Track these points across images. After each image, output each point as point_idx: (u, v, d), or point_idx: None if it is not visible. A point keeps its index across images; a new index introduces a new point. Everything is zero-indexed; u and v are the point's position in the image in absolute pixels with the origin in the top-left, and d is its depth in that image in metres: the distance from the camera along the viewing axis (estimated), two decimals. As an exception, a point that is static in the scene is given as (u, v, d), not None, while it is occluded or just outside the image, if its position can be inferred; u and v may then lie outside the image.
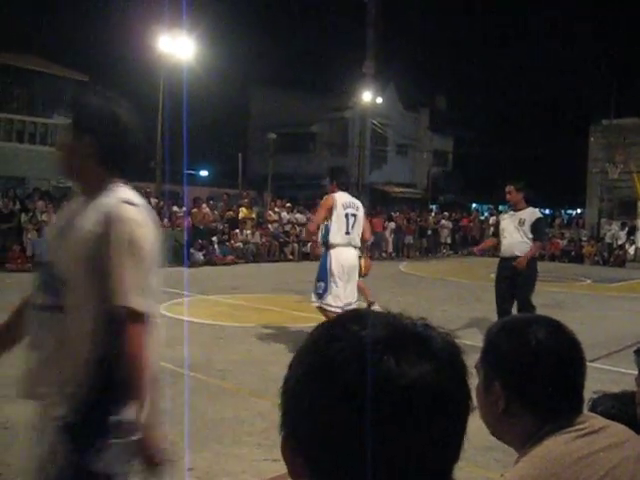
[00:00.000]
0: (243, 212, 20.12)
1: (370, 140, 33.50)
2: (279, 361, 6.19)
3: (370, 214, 18.79)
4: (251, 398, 5.39)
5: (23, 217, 15.95)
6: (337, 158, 31.14)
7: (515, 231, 7.45)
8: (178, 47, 19.99)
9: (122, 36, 26.48)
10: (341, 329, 0.80)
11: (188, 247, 16.67)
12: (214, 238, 18.55)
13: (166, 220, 17.58)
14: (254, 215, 20.49)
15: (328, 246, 6.75)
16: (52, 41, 27.25)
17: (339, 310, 6.19)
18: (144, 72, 23.08)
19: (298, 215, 21.68)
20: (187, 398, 4.95)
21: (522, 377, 1.44)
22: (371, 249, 16.40)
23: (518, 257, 7.29)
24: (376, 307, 7.20)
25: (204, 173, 36.90)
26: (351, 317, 0.82)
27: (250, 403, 5.23)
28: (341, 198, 6.80)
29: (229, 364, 6.46)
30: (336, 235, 6.67)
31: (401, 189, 35.64)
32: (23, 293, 2.21)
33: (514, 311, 7.21)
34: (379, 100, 31.14)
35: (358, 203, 6.95)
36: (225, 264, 17.82)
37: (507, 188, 7.59)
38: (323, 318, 5.82)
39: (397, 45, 41.23)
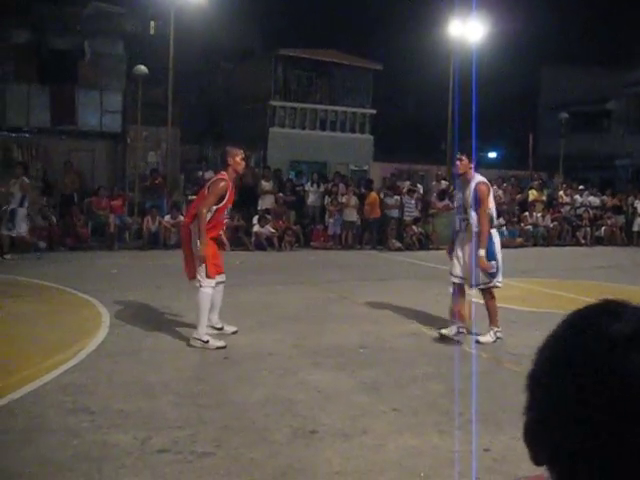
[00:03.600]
0: (533, 194, 19.62)
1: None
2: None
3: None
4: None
5: (326, 199, 17.30)
6: (635, 137, 28.62)
7: None
8: (468, 29, 19.96)
9: (412, 23, 27.13)
10: (588, 321, 0.77)
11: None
12: (502, 220, 18.37)
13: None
14: (544, 197, 19.87)
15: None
16: (348, 35, 28.86)
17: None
18: (434, 57, 23.44)
19: (591, 198, 20.51)
20: (481, 380, 5.07)
21: None
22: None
23: None
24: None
25: (492, 155, 36.39)
26: (602, 309, 0.78)
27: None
28: None
29: (524, 348, 6.43)
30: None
31: None
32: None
33: None
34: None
35: None
36: (514, 247, 17.57)
37: None
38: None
39: None
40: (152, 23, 22.21)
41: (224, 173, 6.29)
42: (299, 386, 5.06)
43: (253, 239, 15.68)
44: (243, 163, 6.46)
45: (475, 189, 6.51)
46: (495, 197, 18.41)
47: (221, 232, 6.64)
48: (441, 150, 22.36)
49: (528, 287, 10.53)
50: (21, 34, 19.29)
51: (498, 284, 6.70)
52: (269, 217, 15.92)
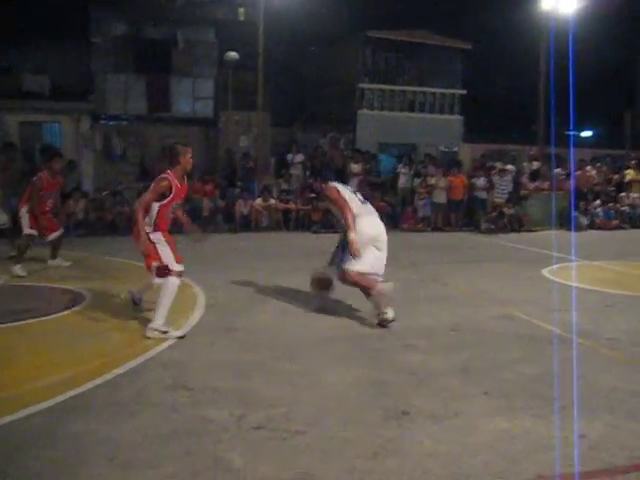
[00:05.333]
0: (630, 174, 18.80)
1: None
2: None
3: None
4: (645, 372, 5.17)
5: (415, 181, 17.18)
6: None
7: None
8: (561, 3, 19.22)
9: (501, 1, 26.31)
10: None
11: (573, 210, 16.25)
12: (597, 201, 17.78)
13: (549, 183, 17.37)
14: (642, 177, 19.02)
15: None
16: (436, 14, 28.27)
17: None
18: (526, 34, 22.69)
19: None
20: (575, 365, 4.97)
21: None
22: None
23: None
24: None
25: (586, 134, 35.01)
26: None
27: (644, 377, 5.02)
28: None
29: (619, 333, 6.25)
30: None
31: None
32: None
33: None
34: None
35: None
36: (609, 229, 16.99)
37: None
38: None
39: None
40: (241, 9, 22.51)
41: (169, 172, 6.18)
42: (391, 367, 5.10)
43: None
44: (191, 161, 6.37)
45: None
46: (588, 178, 17.88)
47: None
48: (532, 130, 21.72)
49: (623, 270, 10.17)
50: (119, 27, 20.05)
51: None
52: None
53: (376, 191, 16.82)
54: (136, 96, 20.01)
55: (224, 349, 5.58)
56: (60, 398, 4.32)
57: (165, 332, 5.90)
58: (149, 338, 5.82)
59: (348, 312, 7.03)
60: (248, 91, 19.47)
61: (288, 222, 15.86)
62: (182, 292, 7.94)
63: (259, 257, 11.08)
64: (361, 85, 23.70)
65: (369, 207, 7.01)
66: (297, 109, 24.41)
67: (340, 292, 8.12)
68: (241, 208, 15.53)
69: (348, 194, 6.82)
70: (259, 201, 15.72)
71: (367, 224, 6.80)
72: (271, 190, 16.22)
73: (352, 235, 6.48)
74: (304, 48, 25.38)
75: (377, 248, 6.93)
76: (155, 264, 6.08)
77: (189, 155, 6.32)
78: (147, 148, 19.28)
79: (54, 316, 6.72)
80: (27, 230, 9.41)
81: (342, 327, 6.43)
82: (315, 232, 15.32)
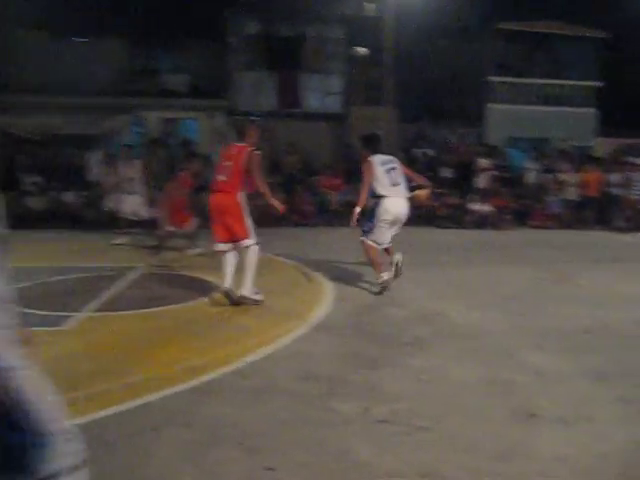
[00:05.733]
0: None
1: None
2: None
3: None
4: None
5: (545, 176, 16.63)
6: None
7: None
8: None
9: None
10: None
11: None
12: None
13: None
14: None
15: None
16: (569, 3, 27.11)
17: None
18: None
19: None
20: None
21: None
22: None
23: None
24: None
25: None
26: None
27: None
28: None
29: None
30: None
31: None
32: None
33: None
34: None
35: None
36: None
37: None
38: None
39: None
40: (370, 5, 22.60)
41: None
42: (519, 367, 5.00)
43: (469, 217, 15.53)
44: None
45: None
46: None
47: None
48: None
49: None
50: (252, 26, 20.74)
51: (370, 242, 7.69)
52: (486, 195, 15.68)
53: (505, 187, 16.45)
54: (267, 92, 20.63)
55: (352, 341, 5.68)
56: (194, 382, 4.56)
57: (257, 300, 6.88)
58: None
59: (473, 308, 6.95)
60: (376, 86, 19.54)
61: (414, 217, 15.78)
62: (311, 284, 8.18)
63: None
64: (491, 78, 23.16)
65: (400, 189, 7.77)
66: (425, 104, 24.21)
67: (469, 291, 8.06)
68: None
69: (382, 171, 7.67)
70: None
71: (392, 204, 7.64)
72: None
73: (357, 209, 7.53)
74: (432, 42, 25.12)
75: (393, 224, 7.82)
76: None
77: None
78: (277, 143, 19.81)
79: (190, 303, 7.09)
80: (166, 225, 9.99)
81: (467, 324, 6.37)
82: (441, 227, 15.18)
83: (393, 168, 7.78)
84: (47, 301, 7.05)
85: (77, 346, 5.40)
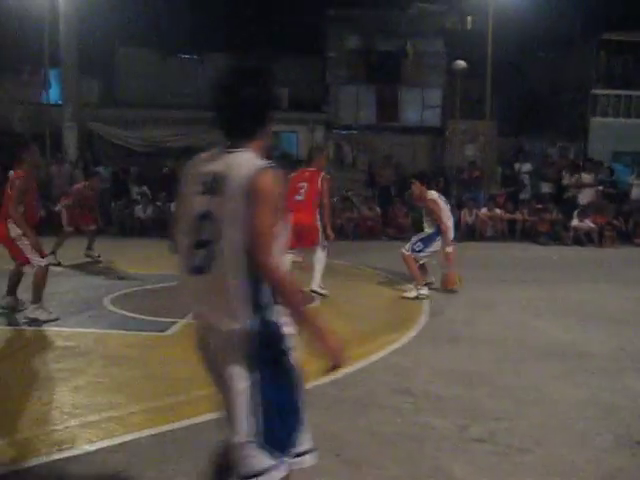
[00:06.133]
0: None
1: None
2: None
3: None
4: None
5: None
6: None
7: None
8: None
9: None
10: None
11: None
12: None
13: None
14: None
15: None
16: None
17: None
18: None
19: None
20: None
21: None
22: None
23: None
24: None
25: None
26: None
27: None
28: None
29: None
30: None
31: None
32: None
33: None
34: None
35: None
36: None
37: None
38: None
39: None
40: (470, 18, 22.43)
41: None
42: (623, 391, 4.86)
43: (571, 234, 15.10)
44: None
45: None
46: None
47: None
48: None
49: None
50: (352, 41, 21.02)
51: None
52: (589, 211, 15.22)
53: (610, 203, 15.90)
54: (366, 106, 20.84)
55: (448, 357, 5.68)
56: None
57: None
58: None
59: (574, 328, 6.79)
60: (475, 99, 19.34)
61: (514, 232, 15.52)
62: (408, 299, 8.20)
63: (484, 267, 10.98)
64: (594, 91, 22.44)
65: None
66: (525, 117, 23.74)
67: (570, 310, 7.87)
68: (466, 217, 15.50)
69: (443, 203, 8.52)
70: (484, 210, 15.57)
71: (452, 230, 8.59)
72: (496, 199, 16.00)
73: (449, 249, 8.44)
74: (533, 54, 24.61)
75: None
76: None
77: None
78: (375, 156, 19.94)
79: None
80: None
81: (567, 343, 6.23)
82: (542, 244, 14.83)
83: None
84: (154, 307, 7.40)
85: (179, 352, 5.64)
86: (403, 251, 8.45)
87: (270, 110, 2.40)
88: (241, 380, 2.27)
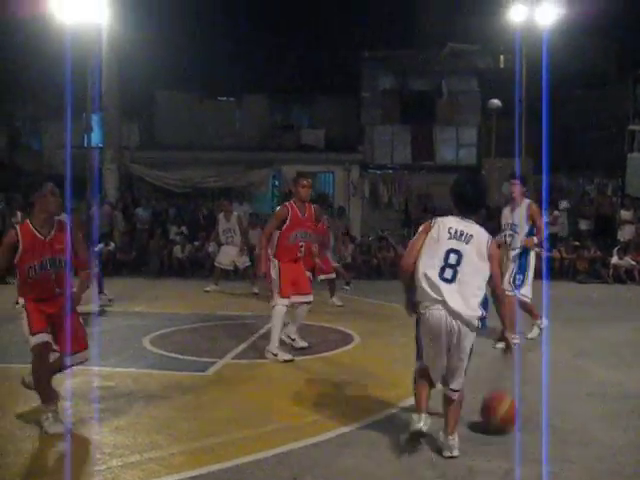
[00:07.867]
0: None
1: None
2: None
3: None
4: None
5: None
6: None
7: None
8: None
9: None
10: None
11: None
12: None
13: None
14: None
15: None
16: None
17: None
18: None
19: None
20: None
21: None
22: None
23: None
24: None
25: None
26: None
27: None
28: None
29: None
30: None
31: None
32: None
33: None
34: None
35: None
36: None
37: None
38: None
39: None
40: (502, 57, 22.52)
41: (290, 202, 7.10)
42: (672, 435, 4.72)
43: (611, 271, 14.85)
44: (305, 190, 7.02)
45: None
46: None
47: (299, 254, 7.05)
48: None
49: None
50: (387, 81, 21.27)
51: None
52: (629, 248, 14.97)
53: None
54: (401, 145, 20.94)
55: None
56: (331, 434, 4.65)
57: (275, 355, 6.73)
58: (267, 359, 6.81)
59: (616, 370, 6.63)
60: (510, 137, 19.30)
61: (552, 270, 15.30)
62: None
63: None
64: (631, 127, 22.25)
65: None
66: (561, 154, 23.58)
67: (614, 350, 7.71)
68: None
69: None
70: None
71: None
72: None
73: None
74: (568, 91, 24.57)
75: None
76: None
77: (301, 185, 7.02)
78: (411, 195, 19.97)
79: (329, 353, 7.28)
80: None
81: (613, 384, 6.10)
82: (581, 282, 14.61)
83: None
84: (192, 346, 7.44)
85: (218, 392, 5.65)
86: (512, 294, 7.43)
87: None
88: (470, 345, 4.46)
